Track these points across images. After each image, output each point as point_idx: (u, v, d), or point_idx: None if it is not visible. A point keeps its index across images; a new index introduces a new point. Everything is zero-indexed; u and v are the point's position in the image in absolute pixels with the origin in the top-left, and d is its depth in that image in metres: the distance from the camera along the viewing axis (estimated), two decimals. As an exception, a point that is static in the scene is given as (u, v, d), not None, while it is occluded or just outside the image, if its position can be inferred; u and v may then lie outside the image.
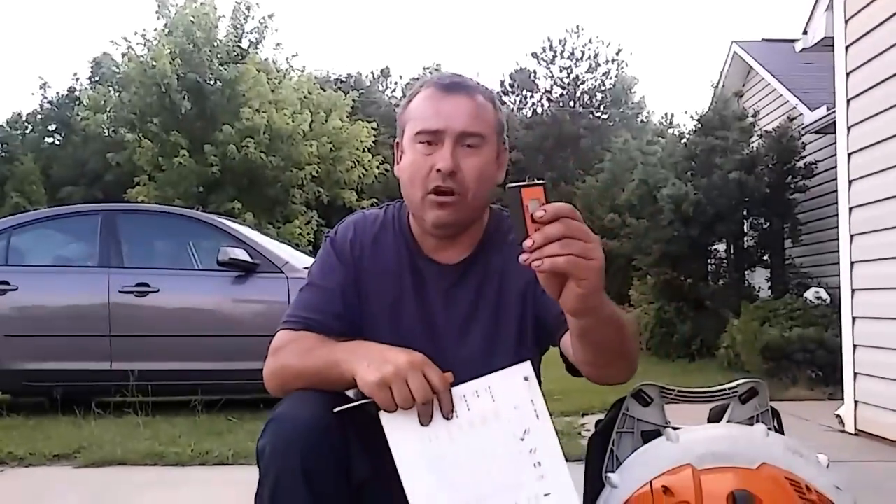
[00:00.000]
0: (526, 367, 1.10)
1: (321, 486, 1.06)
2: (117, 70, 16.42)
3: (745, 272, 8.91)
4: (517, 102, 28.28)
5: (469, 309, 1.28)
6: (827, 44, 5.07)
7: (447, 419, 1.06)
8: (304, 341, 1.20)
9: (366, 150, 16.26)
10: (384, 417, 1.06)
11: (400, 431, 1.05)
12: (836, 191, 4.26)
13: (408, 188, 1.26)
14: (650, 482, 1.11)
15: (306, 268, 5.23)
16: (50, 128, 27.88)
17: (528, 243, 0.94)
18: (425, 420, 1.05)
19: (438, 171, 1.20)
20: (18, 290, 4.77)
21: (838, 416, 4.14)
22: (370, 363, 1.07)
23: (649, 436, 1.20)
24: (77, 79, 26.33)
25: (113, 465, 3.25)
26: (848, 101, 4.09)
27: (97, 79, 21.46)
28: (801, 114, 8.19)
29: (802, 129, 8.00)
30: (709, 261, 9.09)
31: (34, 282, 4.88)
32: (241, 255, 4.74)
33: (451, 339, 1.26)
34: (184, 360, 4.65)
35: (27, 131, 28.15)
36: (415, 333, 1.25)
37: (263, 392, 3.97)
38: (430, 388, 1.05)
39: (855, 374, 4.04)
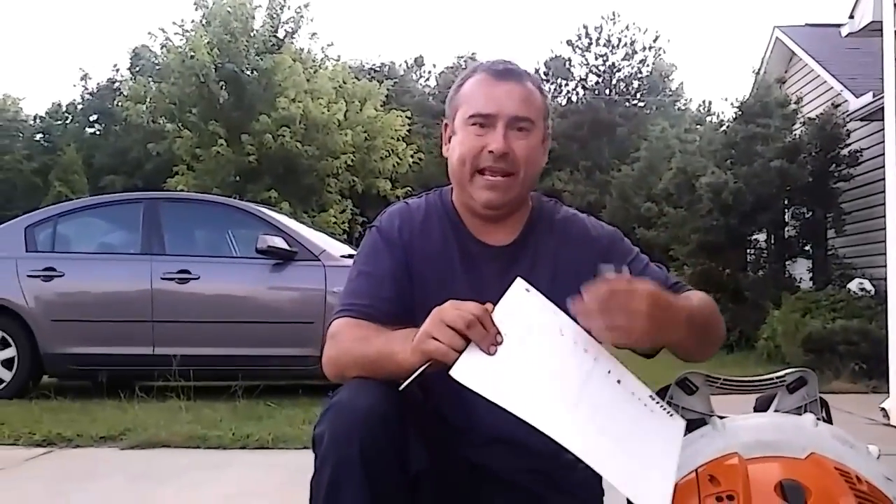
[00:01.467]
0: (519, 282, 1.12)
1: (379, 475, 1.07)
2: (156, 61, 16.69)
3: (786, 263, 8.74)
4: (552, 90, 27.97)
5: None
6: (874, 28, 4.92)
7: (498, 343, 1.04)
8: (359, 329, 1.21)
9: (400, 139, 16.28)
10: (459, 372, 1.02)
11: (479, 375, 1.02)
12: (884, 179, 4.14)
13: (457, 168, 1.27)
14: (696, 470, 1.10)
15: (343, 256, 5.28)
16: (91, 118, 28.49)
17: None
18: (485, 345, 1.02)
19: (490, 152, 1.23)
20: (65, 277, 4.90)
21: (883, 409, 4.05)
22: (416, 338, 1.08)
23: (694, 424, 1.18)
24: (117, 70, 26.79)
25: (157, 448, 3.32)
26: (897, 86, 3.97)
27: (137, 69, 21.84)
28: (846, 100, 7.98)
29: (847, 116, 7.80)
30: (748, 251, 8.94)
31: (79, 268, 5.00)
32: (279, 243, 4.80)
33: None
34: (223, 346, 4.74)
35: (69, 122, 28.81)
36: None
37: (301, 378, 4.04)
38: (467, 315, 1.03)
39: (901, 367, 3.95)
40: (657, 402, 1.11)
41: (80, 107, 28.86)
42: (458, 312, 1.03)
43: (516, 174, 1.25)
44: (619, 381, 1.09)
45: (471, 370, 1.03)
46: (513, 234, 1.32)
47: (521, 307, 1.09)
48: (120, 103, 15.84)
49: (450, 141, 1.31)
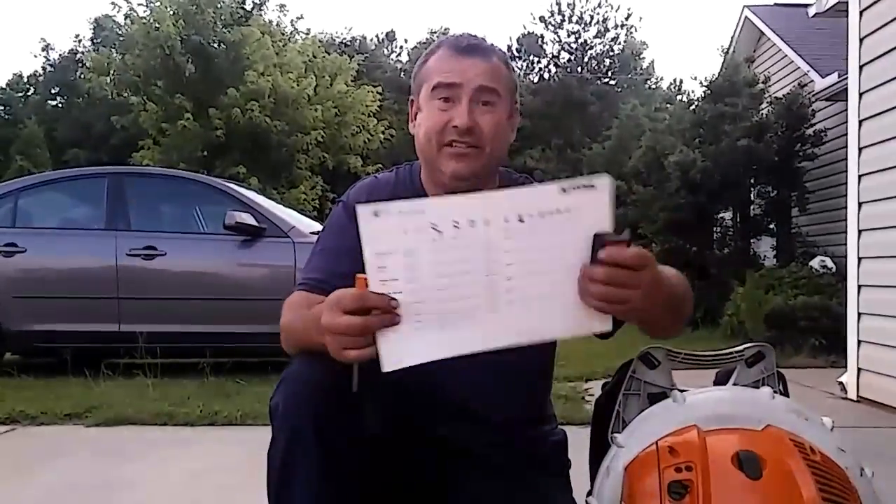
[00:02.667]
0: (362, 210, 0.96)
1: (333, 443, 1.08)
2: (120, 32, 16.27)
3: (751, 240, 8.89)
4: (524, 68, 27.92)
5: None
6: (840, 9, 4.98)
7: (394, 308, 0.95)
8: (300, 305, 1.20)
9: (371, 114, 16.14)
10: (389, 365, 0.96)
11: (407, 349, 0.97)
12: (846, 159, 4.22)
13: (423, 143, 1.27)
14: (656, 443, 1.12)
15: (313, 232, 5.26)
16: (53, 90, 27.72)
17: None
18: (388, 323, 0.95)
19: (455, 126, 1.22)
20: (27, 252, 4.80)
21: (841, 383, 4.17)
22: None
23: (656, 398, 1.21)
24: (79, 40, 26.11)
25: (123, 425, 3.30)
26: (861, 66, 4.03)
27: (99, 41, 21.27)
28: (813, 80, 8.09)
29: (813, 96, 7.91)
30: (715, 229, 9.07)
31: (42, 244, 4.90)
32: (247, 219, 4.75)
33: None
34: (191, 323, 4.69)
35: (29, 93, 28.00)
36: None
37: (270, 355, 4.01)
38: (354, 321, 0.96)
39: (859, 342, 4.06)
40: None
41: (41, 78, 28.05)
42: (344, 321, 0.95)
43: (482, 147, 1.24)
44: (520, 220, 0.97)
45: (397, 352, 0.96)
46: None
47: (386, 234, 0.95)
48: (83, 75, 15.47)
49: (416, 118, 1.31)
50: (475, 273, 0.97)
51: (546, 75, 27.79)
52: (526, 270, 0.98)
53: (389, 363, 0.96)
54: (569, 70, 27.03)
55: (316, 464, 1.07)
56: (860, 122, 4.04)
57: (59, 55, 27.39)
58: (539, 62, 28.07)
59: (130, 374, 4.39)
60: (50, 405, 3.55)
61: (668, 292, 1.11)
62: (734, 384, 1.27)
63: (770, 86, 8.93)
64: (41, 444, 3.05)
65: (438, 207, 0.98)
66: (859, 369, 4.03)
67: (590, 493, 1.21)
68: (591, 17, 27.18)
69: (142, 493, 2.34)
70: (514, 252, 0.97)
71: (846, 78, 4.41)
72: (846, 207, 4.21)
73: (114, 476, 2.50)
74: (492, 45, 1.31)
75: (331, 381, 1.08)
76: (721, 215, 8.95)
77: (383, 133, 16.31)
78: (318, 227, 5.26)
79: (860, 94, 4.04)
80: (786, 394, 1.26)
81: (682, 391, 1.20)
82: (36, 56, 36.94)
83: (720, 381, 1.29)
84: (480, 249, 0.96)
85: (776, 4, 10.51)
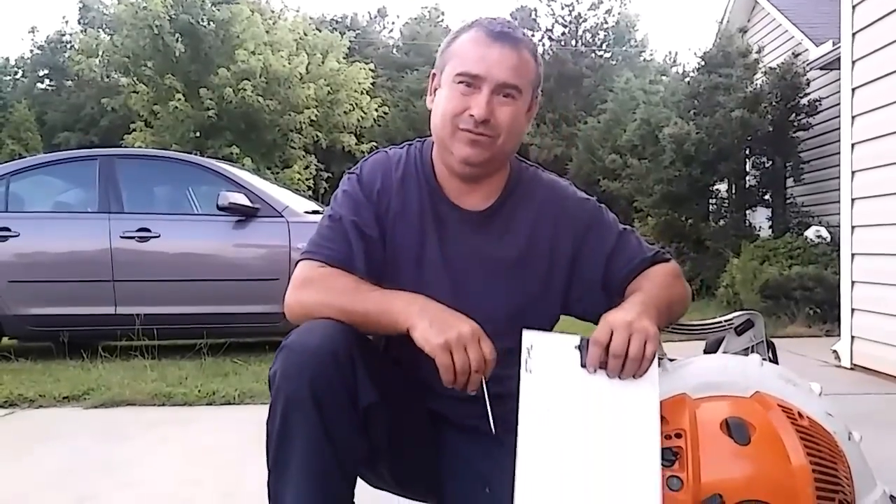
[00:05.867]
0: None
1: (330, 410, 1.10)
2: (106, 13, 16.07)
3: (746, 212, 8.90)
4: (517, 42, 27.67)
5: (492, 257, 1.29)
6: (834, -25, 4.94)
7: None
8: (344, 280, 1.21)
9: (364, 92, 16.03)
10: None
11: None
12: (840, 128, 4.21)
13: (438, 123, 1.27)
14: (646, 411, 1.13)
15: (307, 212, 5.23)
16: (41, 73, 27.42)
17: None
18: (472, 388, 1.09)
19: (472, 116, 1.22)
20: (20, 237, 4.78)
21: (835, 351, 4.20)
22: (433, 324, 1.09)
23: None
24: (66, 22, 25.81)
25: (121, 406, 3.31)
26: (853, 34, 4.01)
27: (87, 21, 21.01)
28: (807, 49, 8.04)
29: (807, 65, 7.86)
30: (710, 201, 9.07)
31: (35, 228, 4.88)
32: (240, 199, 4.73)
33: (472, 286, 1.27)
34: (187, 305, 4.69)
35: (17, 77, 27.69)
36: (439, 277, 1.26)
37: (267, 335, 4.02)
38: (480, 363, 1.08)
39: (852, 310, 4.08)
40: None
41: (28, 62, 27.74)
42: (480, 355, 1.08)
43: (496, 137, 1.24)
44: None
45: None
46: (489, 200, 1.31)
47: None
48: (71, 57, 15.31)
49: (435, 93, 1.30)
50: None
51: (540, 49, 27.52)
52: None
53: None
54: (563, 44, 26.78)
55: (313, 428, 1.09)
56: (853, 90, 4.03)
57: (47, 38, 27.07)
58: (533, 36, 27.76)
59: (128, 356, 4.40)
60: (48, 388, 3.56)
61: (659, 293, 1.20)
62: (724, 352, 1.27)
63: (764, 56, 8.88)
64: (40, 427, 3.06)
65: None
66: (852, 337, 4.06)
67: (581, 462, 1.22)
68: (585, -11, 26.86)
69: (141, 472, 2.36)
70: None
71: (840, 46, 4.38)
72: (839, 177, 4.21)
73: (113, 456, 2.52)
74: (524, 34, 1.29)
75: (328, 350, 1.10)
76: (716, 187, 8.95)
77: (377, 110, 16.22)
78: (312, 205, 5.23)
79: (853, 62, 4.02)
80: (775, 361, 1.28)
81: (672, 360, 1.21)
82: (23, 39, 36.53)
83: (710, 349, 1.30)
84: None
85: (770, -27, 10.41)
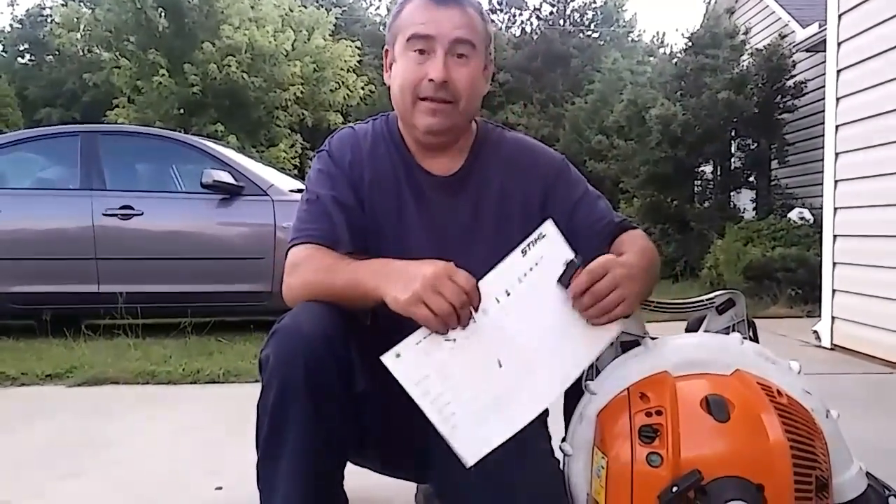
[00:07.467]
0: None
1: (323, 396, 1.10)
2: (88, -15, 15.76)
3: (731, 193, 8.95)
4: (505, 21, 27.49)
5: (470, 221, 1.30)
6: (822, -44, 4.93)
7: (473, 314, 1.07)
8: (322, 258, 1.21)
9: (350, 70, 15.88)
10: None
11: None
12: (825, 110, 4.23)
13: (398, 96, 1.27)
14: (627, 389, 1.15)
15: (292, 190, 5.19)
16: (21, 48, 26.89)
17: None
18: (465, 323, 1.05)
19: (431, 80, 1.22)
20: (1, 214, 4.72)
21: (815, 331, 4.25)
22: (398, 282, 1.07)
23: (628, 346, 1.23)
24: (47, -6, 25.21)
25: (105, 385, 3.30)
26: (839, 15, 4.01)
27: (68, -5, 20.57)
28: (794, 31, 8.05)
29: (794, 46, 7.88)
30: (695, 182, 9.11)
31: (17, 205, 4.82)
32: (225, 177, 4.69)
33: (456, 249, 1.26)
34: (170, 283, 4.66)
35: (-3, 52, 27.14)
36: (421, 243, 1.26)
37: (252, 314, 4.02)
38: (461, 296, 1.04)
39: (833, 291, 4.13)
40: None
41: (7, 35, 27.17)
42: (454, 289, 1.03)
43: (457, 102, 1.25)
44: (507, 294, 1.09)
45: (473, 446, 1.04)
46: (457, 163, 1.32)
47: (413, 365, 1.05)
48: (52, 31, 15.01)
49: (391, 68, 1.30)
50: (501, 353, 1.07)
51: (528, 28, 27.38)
52: (537, 329, 1.09)
53: (472, 457, 1.04)
54: (551, 23, 26.63)
55: (307, 414, 1.09)
56: (838, 71, 4.04)
57: (27, 11, 26.54)
58: (521, 15, 27.62)
59: (111, 334, 4.38)
60: (30, 366, 3.54)
61: (645, 263, 1.20)
62: (705, 331, 1.29)
63: (751, 37, 8.88)
64: (23, 405, 3.05)
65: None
66: (833, 317, 4.11)
67: (564, 440, 1.23)
68: (573, -32, 26.67)
69: (125, 450, 2.36)
70: (520, 320, 1.08)
71: (826, 28, 4.38)
72: (824, 159, 4.24)
73: (97, 434, 2.51)
74: None
75: (322, 335, 1.10)
76: (701, 168, 8.98)
77: (363, 89, 16.08)
78: (297, 184, 5.20)
79: (838, 44, 4.03)
80: (755, 339, 1.29)
81: (653, 338, 1.22)
82: (1, 13, 35.78)
83: (691, 328, 1.32)
84: (494, 333, 1.07)
85: (759, -47, 10.37)
